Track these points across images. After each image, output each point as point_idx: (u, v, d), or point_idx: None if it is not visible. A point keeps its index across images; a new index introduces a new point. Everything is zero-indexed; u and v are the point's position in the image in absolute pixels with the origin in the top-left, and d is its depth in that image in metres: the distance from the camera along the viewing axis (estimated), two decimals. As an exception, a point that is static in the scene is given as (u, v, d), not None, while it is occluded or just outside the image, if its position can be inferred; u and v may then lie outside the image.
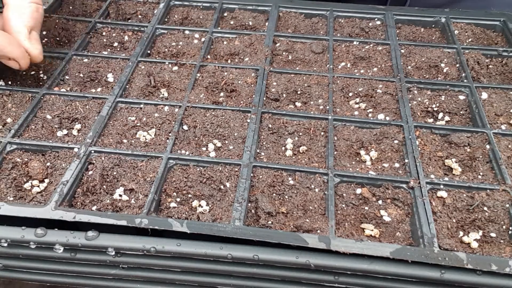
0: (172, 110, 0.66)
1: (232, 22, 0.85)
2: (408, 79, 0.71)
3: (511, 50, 0.76)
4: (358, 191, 0.57)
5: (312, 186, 0.57)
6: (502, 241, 0.52)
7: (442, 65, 0.74)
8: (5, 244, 0.50)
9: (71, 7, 0.87)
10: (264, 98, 0.68)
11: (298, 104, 0.69)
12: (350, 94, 0.70)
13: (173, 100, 0.68)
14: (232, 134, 0.63)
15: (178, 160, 0.59)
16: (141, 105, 0.67)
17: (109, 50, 0.79)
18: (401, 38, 0.81)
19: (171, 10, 0.87)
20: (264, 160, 0.60)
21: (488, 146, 0.61)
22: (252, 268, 0.49)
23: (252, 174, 0.57)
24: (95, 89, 0.70)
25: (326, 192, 0.56)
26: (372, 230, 0.53)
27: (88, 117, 0.65)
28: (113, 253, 0.49)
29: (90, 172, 0.57)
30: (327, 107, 0.67)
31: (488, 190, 0.56)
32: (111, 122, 0.64)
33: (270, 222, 0.53)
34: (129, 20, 0.86)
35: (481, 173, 0.58)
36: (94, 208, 0.54)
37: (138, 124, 0.64)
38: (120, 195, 0.55)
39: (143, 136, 0.62)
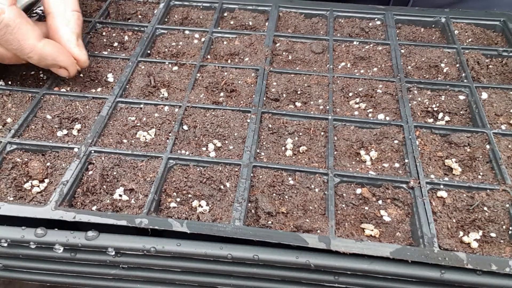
0: (172, 110, 0.66)
1: (232, 22, 0.85)
2: (408, 79, 0.71)
3: (511, 50, 0.76)
4: (358, 191, 0.57)
5: (312, 186, 0.57)
6: (502, 241, 0.52)
7: (442, 65, 0.74)
8: (5, 244, 0.50)
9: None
10: (264, 98, 0.68)
11: (298, 104, 0.69)
12: (350, 94, 0.70)
13: (173, 100, 0.68)
14: (232, 134, 0.63)
15: (178, 160, 0.59)
16: (141, 105, 0.67)
17: (109, 50, 0.79)
18: (401, 38, 0.81)
19: (171, 10, 0.88)
20: (264, 160, 0.60)
21: (488, 146, 0.61)
22: (252, 268, 0.49)
23: (252, 174, 0.57)
24: (95, 89, 0.70)
25: (326, 192, 0.56)
26: (372, 230, 0.53)
27: (88, 117, 0.65)
28: (113, 253, 0.49)
29: (90, 172, 0.57)
30: (327, 107, 0.67)
31: (488, 190, 0.56)
32: (111, 122, 0.64)
33: (270, 222, 0.53)
34: (129, 20, 0.86)
35: (481, 173, 0.58)
36: (94, 208, 0.54)
37: (138, 124, 0.64)
38: (120, 195, 0.55)
39: (143, 136, 0.62)
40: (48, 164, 0.59)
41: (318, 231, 0.51)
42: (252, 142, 0.61)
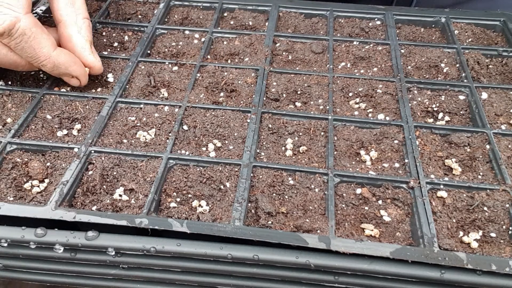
0: (172, 110, 0.66)
1: (232, 22, 0.85)
2: (408, 79, 0.71)
3: (511, 50, 0.76)
4: (358, 191, 0.57)
5: (312, 186, 0.57)
6: (502, 241, 0.52)
7: (442, 65, 0.74)
8: (5, 244, 0.50)
9: (71, 7, 0.87)
10: (264, 98, 0.68)
11: (298, 104, 0.69)
12: (350, 94, 0.70)
13: (173, 100, 0.68)
14: (232, 134, 0.63)
15: (178, 160, 0.59)
16: (141, 105, 0.67)
17: (109, 50, 0.79)
18: (401, 38, 0.81)
19: (171, 10, 0.88)
20: (264, 160, 0.60)
21: (488, 146, 0.61)
22: (252, 268, 0.49)
23: (252, 174, 0.57)
24: (95, 89, 0.70)
25: (326, 192, 0.56)
26: (372, 230, 0.53)
27: (88, 117, 0.65)
28: (113, 253, 0.49)
29: (90, 172, 0.57)
30: (327, 107, 0.67)
31: (488, 190, 0.56)
32: (111, 122, 0.64)
33: (270, 222, 0.53)
34: (129, 20, 0.86)
35: (481, 173, 0.58)
36: (94, 208, 0.54)
37: (138, 124, 0.64)
38: (120, 195, 0.55)
39: (143, 136, 0.62)
40: (48, 164, 0.59)
41: (318, 231, 0.51)
42: (252, 142, 0.61)
